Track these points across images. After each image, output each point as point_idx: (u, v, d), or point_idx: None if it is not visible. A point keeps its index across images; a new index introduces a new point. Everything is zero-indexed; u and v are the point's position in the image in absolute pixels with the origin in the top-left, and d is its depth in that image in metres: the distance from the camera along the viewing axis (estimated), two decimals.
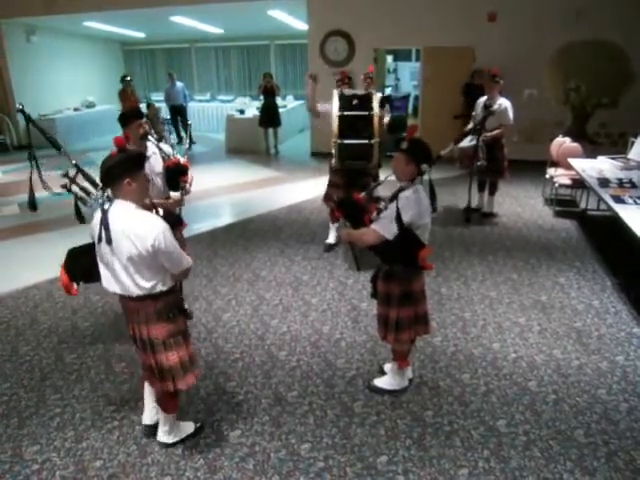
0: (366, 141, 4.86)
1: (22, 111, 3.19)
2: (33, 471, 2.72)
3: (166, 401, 2.74)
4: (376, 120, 4.85)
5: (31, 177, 3.39)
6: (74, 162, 3.19)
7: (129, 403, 3.21)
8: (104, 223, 2.34)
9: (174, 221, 3.57)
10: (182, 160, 3.83)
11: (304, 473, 2.67)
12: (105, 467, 2.73)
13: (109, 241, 2.33)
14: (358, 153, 4.93)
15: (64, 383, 3.44)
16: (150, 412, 2.94)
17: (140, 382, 3.08)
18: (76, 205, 3.07)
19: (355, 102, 4.86)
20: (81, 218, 3.15)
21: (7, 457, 2.81)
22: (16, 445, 2.90)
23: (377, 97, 4.97)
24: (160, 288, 2.46)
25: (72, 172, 3.09)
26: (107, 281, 2.50)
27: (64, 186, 2.99)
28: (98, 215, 2.40)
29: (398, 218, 2.71)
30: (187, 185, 3.81)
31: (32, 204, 3.52)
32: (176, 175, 3.77)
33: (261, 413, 3.12)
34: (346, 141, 4.86)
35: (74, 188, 3.03)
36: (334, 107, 4.87)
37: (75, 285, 2.80)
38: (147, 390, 2.91)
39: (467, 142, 5.94)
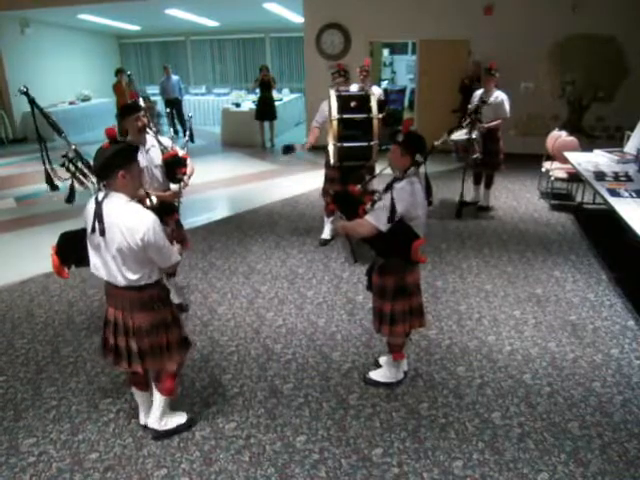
0: (366, 144, 4.80)
1: (26, 93, 3.16)
2: (29, 463, 2.72)
3: (163, 379, 2.76)
4: (375, 122, 4.76)
5: (47, 168, 3.34)
6: (73, 147, 3.19)
7: (125, 396, 3.21)
8: (98, 216, 2.35)
9: (167, 210, 3.59)
10: (181, 152, 3.84)
11: (299, 465, 2.69)
12: (101, 459, 2.74)
13: (102, 233, 2.35)
14: (357, 154, 4.86)
15: (60, 376, 3.45)
16: (145, 412, 2.93)
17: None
18: (71, 185, 3.10)
19: (353, 104, 4.73)
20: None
21: (3, 449, 2.82)
22: (12, 437, 2.90)
23: (375, 97, 4.87)
24: (146, 281, 2.49)
25: (71, 154, 3.12)
26: (95, 267, 2.53)
27: (62, 165, 3.02)
28: (92, 205, 2.41)
29: (392, 208, 2.72)
30: (185, 177, 3.81)
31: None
32: (174, 167, 3.77)
33: (256, 406, 3.13)
34: (346, 144, 4.78)
35: (72, 168, 3.06)
36: (333, 109, 4.74)
37: (66, 269, 2.81)
38: (137, 392, 2.90)
39: (461, 135, 5.91)
